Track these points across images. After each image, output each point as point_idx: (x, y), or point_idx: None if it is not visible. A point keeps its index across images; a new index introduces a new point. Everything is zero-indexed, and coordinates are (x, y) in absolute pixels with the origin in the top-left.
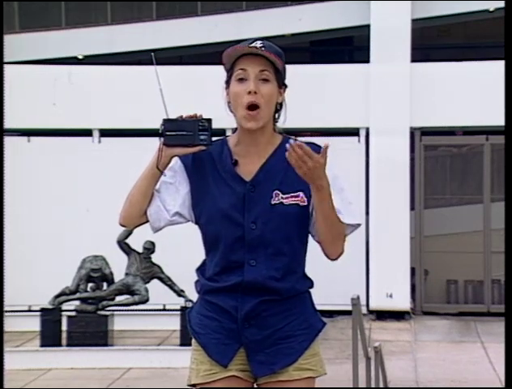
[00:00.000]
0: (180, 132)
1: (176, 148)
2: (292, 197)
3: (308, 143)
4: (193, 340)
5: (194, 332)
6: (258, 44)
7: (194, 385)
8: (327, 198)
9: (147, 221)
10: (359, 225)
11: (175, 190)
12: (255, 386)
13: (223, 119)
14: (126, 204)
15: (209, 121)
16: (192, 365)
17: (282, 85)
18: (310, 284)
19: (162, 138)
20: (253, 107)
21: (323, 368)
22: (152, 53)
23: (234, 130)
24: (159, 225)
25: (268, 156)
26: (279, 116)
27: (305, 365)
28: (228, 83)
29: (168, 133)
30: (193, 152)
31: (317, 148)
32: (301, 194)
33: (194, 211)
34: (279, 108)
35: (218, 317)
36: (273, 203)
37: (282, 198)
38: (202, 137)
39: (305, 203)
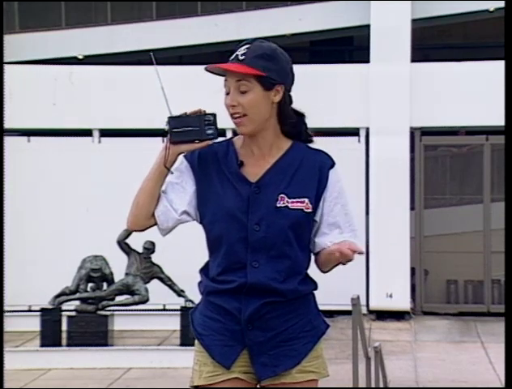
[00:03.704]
0: (186, 128)
1: (183, 145)
2: (297, 202)
3: (318, 151)
4: (196, 341)
5: (197, 333)
6: (242, 50)
7: (196, 386)
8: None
9: (155, 224)
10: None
11: (182, 190)
12: (258, 387)
13: (223, 120)
14: (133, 208)
15: (214, 115)
16: (195, 366)
17: (273, 85)
18: (314, 286)
19: (168, 136)
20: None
21: (326, 370)
22: (151, 53)
23: (235, 132)
24: (167, 226)
25: (276, 159)
26: (284, 116)
27: (309, 368)
28: None
29: (174, 130)
30: (200, 147)
31: (326, 157)
32: (307, 200)
33: (199, 210)
34: (283, 108)
35: (221, 318)
36: (278, 205)
37: (287, 201)
38: (208, 131)
39: (310, 210)
